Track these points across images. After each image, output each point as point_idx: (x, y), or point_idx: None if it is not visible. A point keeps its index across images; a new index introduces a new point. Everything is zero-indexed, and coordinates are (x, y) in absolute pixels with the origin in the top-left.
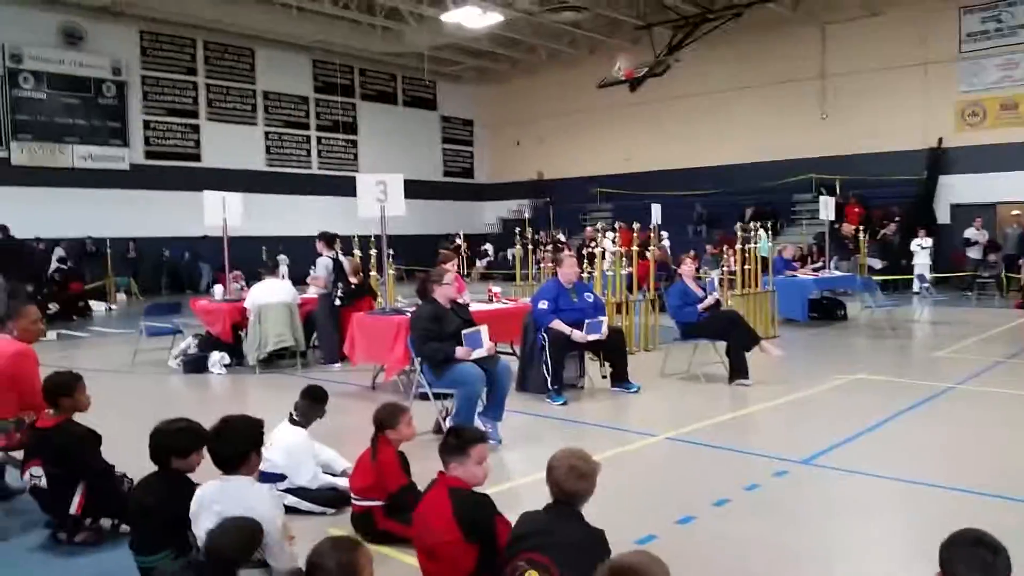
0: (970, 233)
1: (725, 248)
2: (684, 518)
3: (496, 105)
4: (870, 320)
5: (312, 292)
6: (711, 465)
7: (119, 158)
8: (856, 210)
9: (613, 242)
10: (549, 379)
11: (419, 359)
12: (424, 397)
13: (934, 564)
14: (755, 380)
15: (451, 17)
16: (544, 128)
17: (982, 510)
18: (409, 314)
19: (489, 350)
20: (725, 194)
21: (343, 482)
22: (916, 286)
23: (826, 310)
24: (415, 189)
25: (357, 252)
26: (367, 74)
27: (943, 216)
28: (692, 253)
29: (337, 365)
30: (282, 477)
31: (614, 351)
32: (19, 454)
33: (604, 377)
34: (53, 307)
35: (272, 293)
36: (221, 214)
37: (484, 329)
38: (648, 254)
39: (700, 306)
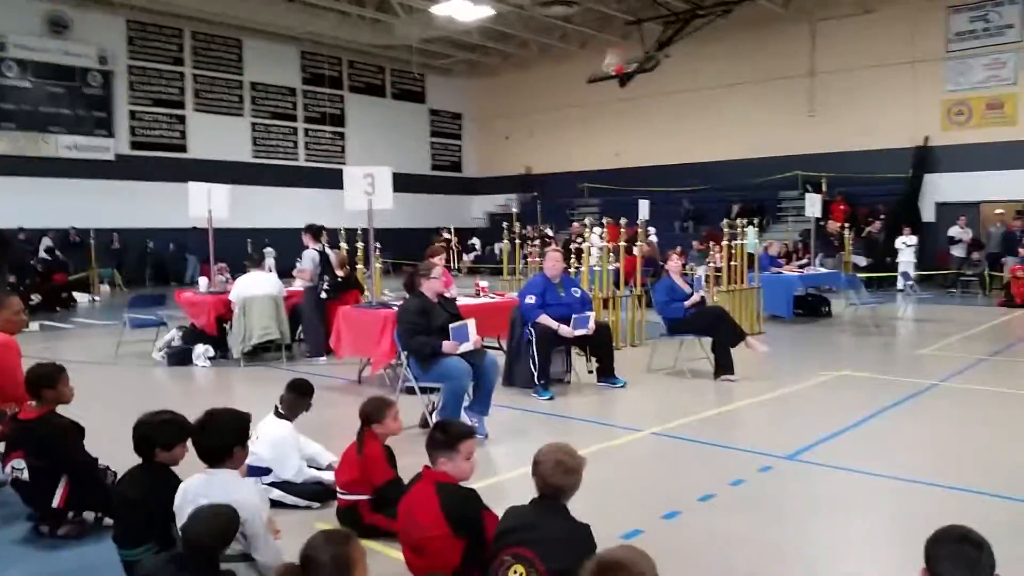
0: (954, 231)
1: (712, 244)
2: (669, 513)
3: (485, 99)
4: (854, 317)
5: (298, 285)
6: (696, 460)
7: (104, 148)
8: (842, 207)
9: (600, 237)
10: (536, 374)
11: (406, 353)
12: (410, 391)
13: (918, 560)
14: (740, 376)
15: (442, 10)
16: (533, 123)
17: (966, 506)
18: (396, 308)
19: (476, 344)
20: (713, 190)
21: (328, 476)
22: (900, 283)
23: (811, 307)
24: (403, 182)
25: (344, 245)
26: (355, 66)
27: (928, 214)
28: (679, 249)
29: (323, 359)
30: (267, 471)
31: (601, 346)
32: (0, 446)
33: (590, 372)
34: (36, 298)
35: (257, 285)
36: (206, 206)
37: (471, 323)
38: (635, 250)
39: (686, 303)
